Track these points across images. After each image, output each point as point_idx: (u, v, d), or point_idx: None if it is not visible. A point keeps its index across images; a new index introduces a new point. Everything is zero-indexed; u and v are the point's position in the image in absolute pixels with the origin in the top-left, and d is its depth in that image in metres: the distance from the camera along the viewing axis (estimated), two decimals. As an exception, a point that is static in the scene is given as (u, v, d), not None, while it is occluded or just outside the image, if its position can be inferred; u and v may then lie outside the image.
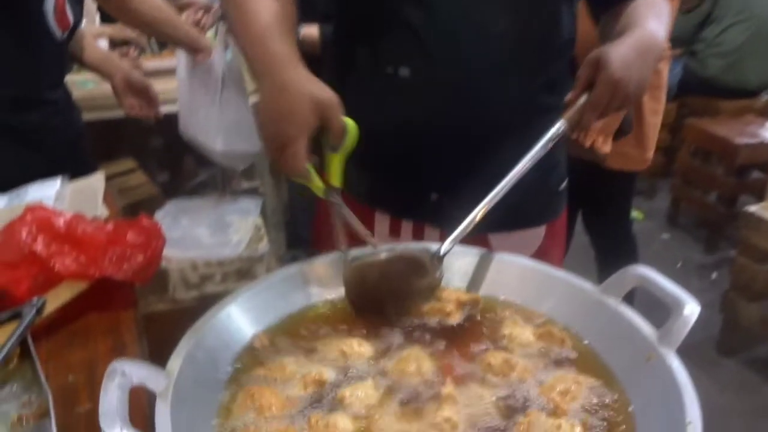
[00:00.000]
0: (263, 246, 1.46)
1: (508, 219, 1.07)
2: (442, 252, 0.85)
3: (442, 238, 1.02)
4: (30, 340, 0.90)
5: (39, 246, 1.01)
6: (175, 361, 0.66)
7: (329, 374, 0.70)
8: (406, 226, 1.10)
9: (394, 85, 0.99)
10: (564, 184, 1.16)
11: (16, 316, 0.92)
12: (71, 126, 1.62)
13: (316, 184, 0.82)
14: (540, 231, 1.13)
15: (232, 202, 1.63)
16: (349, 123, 0.82)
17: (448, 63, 0.96)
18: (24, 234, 1.02)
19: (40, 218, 1.06)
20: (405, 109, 1.00)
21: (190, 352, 0.68)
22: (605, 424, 0.65)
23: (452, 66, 0.96)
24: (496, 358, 0.72)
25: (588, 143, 1.82)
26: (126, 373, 0.61)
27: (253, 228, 1.50)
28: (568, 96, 0.91)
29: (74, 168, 1.52)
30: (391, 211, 1.10)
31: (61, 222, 1.06)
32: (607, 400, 0.68)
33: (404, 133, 1.01)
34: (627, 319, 0.74)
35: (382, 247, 0.86)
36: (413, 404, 0.68)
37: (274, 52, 0.83)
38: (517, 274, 0.86)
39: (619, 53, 0.86)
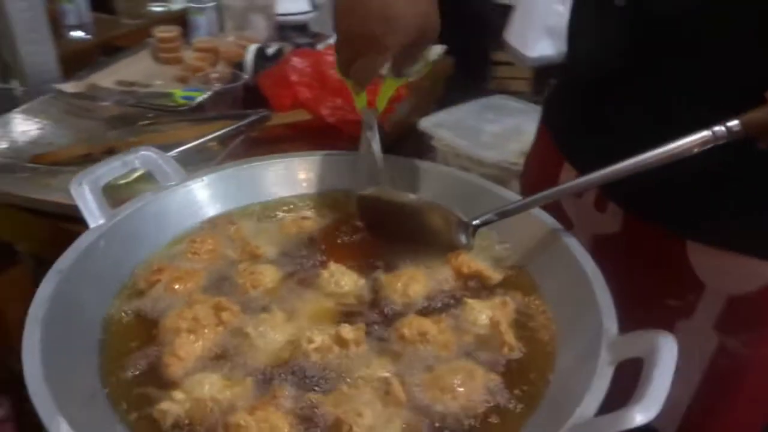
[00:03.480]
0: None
1: (713, 229, 0.77)
2: (475, 223, 0.70)
3: (625, 220, 0.82)
4: (238, 139, 1.13)
5: (293, 75, 1.20)
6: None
7: (268, 251, 0.71)
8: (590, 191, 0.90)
9: (607, 13, 0.77)
10: None
11: (244, 116, 1.15)
12: None
13: (362, 98, 0.73)
14: (765, 268, 0.77)
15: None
16: (425, 57, 0.70)
17: None
18: (296, 62, 1.22)
19: (317, 54, 1.26)
20: (614, 44, 0.78)
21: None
22: None
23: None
24: (412, 329, 0.60)
25: None
26: (142, 156, 0.74)
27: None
28: None
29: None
30: (578, 167, 0.91)
31: (326, 60, 1.23)
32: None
33: (601, 75, 0.80)
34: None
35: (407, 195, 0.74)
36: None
37: None
38: (570, 279, 0.65)
39: None
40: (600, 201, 0.86)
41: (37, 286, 0.59)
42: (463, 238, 0.70)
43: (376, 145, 0.74)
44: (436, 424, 0.52)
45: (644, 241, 0.79)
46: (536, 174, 1.03)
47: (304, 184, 0.81)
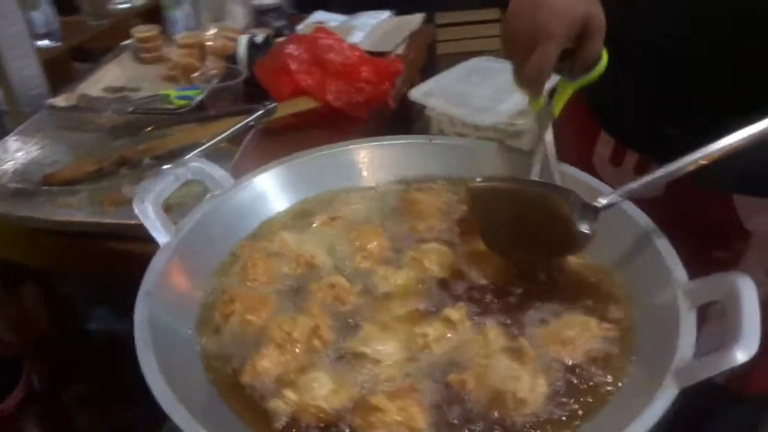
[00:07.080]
0: (525, 123, 1.40)
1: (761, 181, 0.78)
2: (602, 203, 0.64)
3: (667, 186, 0.84)
4: (250, 135, 1.13)
5: (293, 63, 1.20)
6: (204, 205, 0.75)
7: (322, 259, 0.71)
8: (630, 157, 0.92)
9: None
10: None
11: (250, 111, 1.15)
12: None
13: (538, 103, 0.73)
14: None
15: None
16: (604, 56, 0.71)
17: None
18: (292, 49, 1.22)
19: (311, 38, 1.25)
20: (660, 13, 0.79)
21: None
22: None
23: None
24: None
25: None
26: (192, 168, 0.75)
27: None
28: None
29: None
30: (617, 137, 0.93)
31: (321, 45, 1.23)
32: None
33: (650, 45, 0.81)
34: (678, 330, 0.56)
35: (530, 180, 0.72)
36: (424, 306, 0.66)
37: None
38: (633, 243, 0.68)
39: None
40: (640, 168, 0.89)
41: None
42: (585, 226, 0.64)
43: (550, 146, 0.74)
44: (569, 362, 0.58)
45: (688, 201, 0.80)
46: (568, 144, 1.04)
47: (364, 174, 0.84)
